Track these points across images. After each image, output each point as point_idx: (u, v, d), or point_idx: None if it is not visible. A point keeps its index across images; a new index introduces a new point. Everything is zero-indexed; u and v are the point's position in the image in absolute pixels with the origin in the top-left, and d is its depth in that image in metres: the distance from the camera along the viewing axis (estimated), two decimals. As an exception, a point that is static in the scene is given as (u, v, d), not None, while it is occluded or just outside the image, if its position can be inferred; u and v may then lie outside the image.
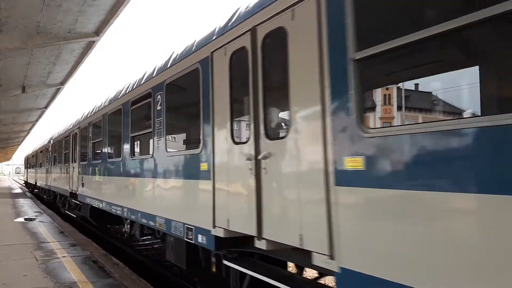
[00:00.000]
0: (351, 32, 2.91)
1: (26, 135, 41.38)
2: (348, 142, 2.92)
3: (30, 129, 35.67)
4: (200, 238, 4.97)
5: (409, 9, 3.13)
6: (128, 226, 8.78)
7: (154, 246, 10.64)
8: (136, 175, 7.50)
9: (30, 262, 7.15)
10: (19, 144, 52.28)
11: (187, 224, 5.33)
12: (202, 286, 6.65)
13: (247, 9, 4.29)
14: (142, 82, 7.32)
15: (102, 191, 10.03)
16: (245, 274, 4.40)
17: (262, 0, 4.02)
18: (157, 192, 6.50)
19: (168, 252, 6.54)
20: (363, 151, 2.79)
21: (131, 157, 7.81)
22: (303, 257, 3.48)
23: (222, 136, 4.59)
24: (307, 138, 3.34)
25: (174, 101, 6.39)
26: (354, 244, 2.85)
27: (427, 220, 2.38)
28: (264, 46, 3.94)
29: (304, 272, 4.86)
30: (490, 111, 3.70)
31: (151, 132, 6.64)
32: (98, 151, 10.71)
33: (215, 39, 4.86)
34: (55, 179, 18.19)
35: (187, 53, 5.63)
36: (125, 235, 9.51)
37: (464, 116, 4.07)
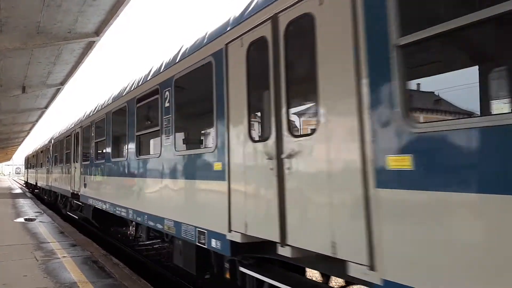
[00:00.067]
0: (394, 15, 2.59)
1: (26, 135, 41.18)
2: (391, 138, 2.59)
3: (30, 129, 35.47)
4: (213, 242, 4.65)
5: None
6: (134, 228, 8.49)
7: (154, 246, 10.44)
8: (142, 175, 7.16)
9: (30, 262, 7.07)
10: (19, 144, 52.07)
11: (199, 228, 5.01)
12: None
13: None
14: (148, 79, 6.99)
15: (105, 192, 9.67)
16: (263, 282, 4.08)
17: None
18: (165, 193, 6.17)
19: (175, 256, 6.22)
20: (411, 149, 2.47)
21: (137, 157, 7.47)
22: (332, 265, 3.17)
23: (238, 134, 4.27)
24: (339, 134, 3.01)
25: (184, 98, 6.08)
26: (399, 255, 2.51)
27: (495, 228, 2.05)
28: (287, 35, 3.62)
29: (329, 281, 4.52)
30: None
31: (158, 130, 6.32)
32: (101, 151, 10.38)
33: (229, 30, 4.55)
34: (56, 179, 17.89)
35: (198, 46, 5.31)
36: (130, 237, 9.24)
37: None
